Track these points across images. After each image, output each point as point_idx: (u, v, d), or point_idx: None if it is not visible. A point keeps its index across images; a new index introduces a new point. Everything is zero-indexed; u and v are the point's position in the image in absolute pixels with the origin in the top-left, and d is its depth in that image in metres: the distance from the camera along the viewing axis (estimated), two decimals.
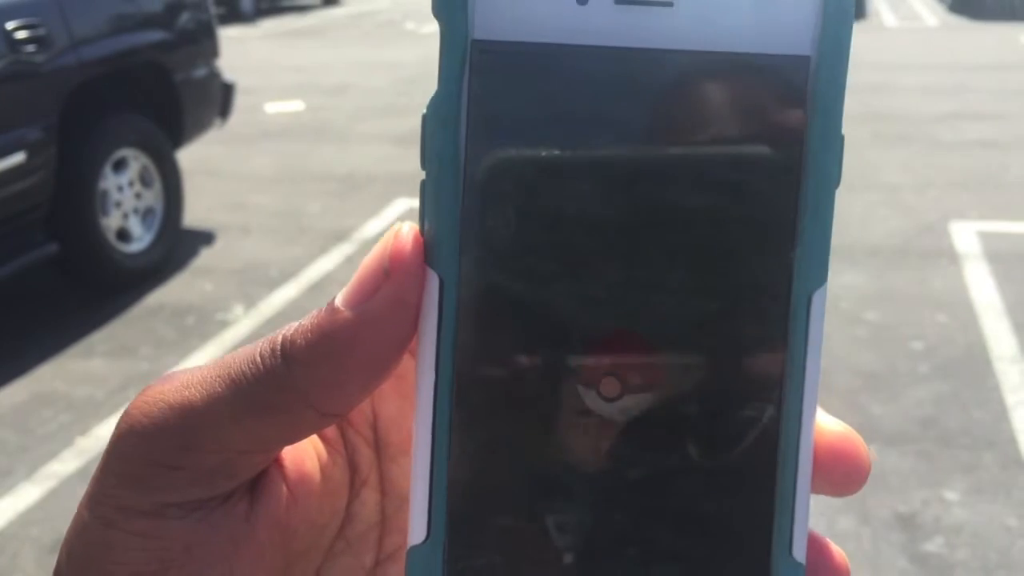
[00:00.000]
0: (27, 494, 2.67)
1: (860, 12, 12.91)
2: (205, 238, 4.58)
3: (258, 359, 0.28)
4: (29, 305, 3.91)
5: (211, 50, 4.44)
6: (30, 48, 3.41)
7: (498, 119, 0.26)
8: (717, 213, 0.26)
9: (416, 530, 0.27)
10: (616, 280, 0.26)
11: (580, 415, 0.27)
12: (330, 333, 0.27)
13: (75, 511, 0.30)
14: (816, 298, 0.27)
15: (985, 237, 4.35)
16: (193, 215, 4.65)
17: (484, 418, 0.27)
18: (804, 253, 0.27)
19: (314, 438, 0.32)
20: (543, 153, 0.26)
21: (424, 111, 0.27)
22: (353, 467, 0.33)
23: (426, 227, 0.27)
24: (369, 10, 15.81)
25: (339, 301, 0.27)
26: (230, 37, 5.60)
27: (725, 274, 0.26)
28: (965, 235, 4.38)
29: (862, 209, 4.78)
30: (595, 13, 0.26)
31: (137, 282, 3.99)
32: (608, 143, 0.26)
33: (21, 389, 3.21)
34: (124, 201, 4.00)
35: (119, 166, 3.95)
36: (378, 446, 0.33)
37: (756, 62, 0.26)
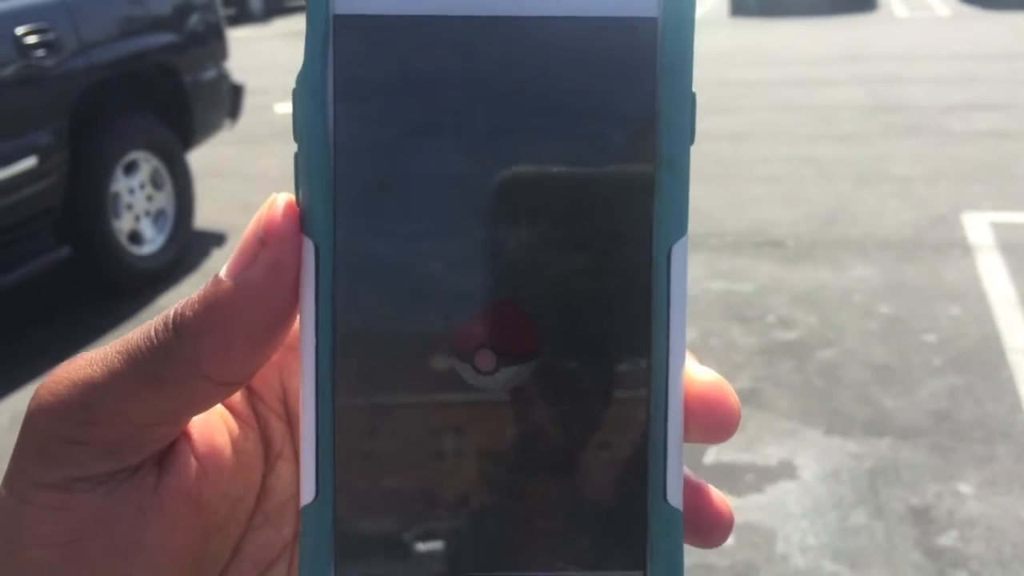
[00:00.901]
0: None
1: (870, 4, 12.85)
2: (216, 239, 4.60)
3: (152, 334, 0.29)
4: (42, 309, 3.94)
5: (220, 52, 4.46)
6: (40, 53, 3.43)
7: (362, 89, 0.27)
8: (577, 174, 0.27)
9: (307, 490, 0.28)
10: (483, 246, 0.27)
11: (457, 386, 0.28)
12: (214, 303, 0.28)
13: None
14: (676, 250, 0.27)
15: (998, 228, 4.33)
16: (204, 217, 4.67)
17: (366, 381, 0.28)
18: (662, 208, 0.27)
19: (225, 413, 0.33)
20: (406, 120, 0.27)
21: (293, 86, 0.28)
22: (266, 441, 0.33)
23: (300, 196, 0.28)
24: None
25: (222, 272, 0.29)
26: (239, 38, 5.61)
27: (589, 233, 0.27)
28: (978, 226, 4.36)
29: (873, 202, 4.76)
30: None
31: (149, 284, 4.01)
32: (468, 108, 0.27)
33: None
34: (135, 204, 4.02)
35: (130, 169, 3.97)
36: (290, 420, 0.34)
37: (607, 25, 0.27)
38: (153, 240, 4.11)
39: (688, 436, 0.29)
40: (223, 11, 4.62)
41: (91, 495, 0.29)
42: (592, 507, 0.28)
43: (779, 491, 2.42)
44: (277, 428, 0.33)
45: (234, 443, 0.32)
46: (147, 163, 4.07)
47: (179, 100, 4.24)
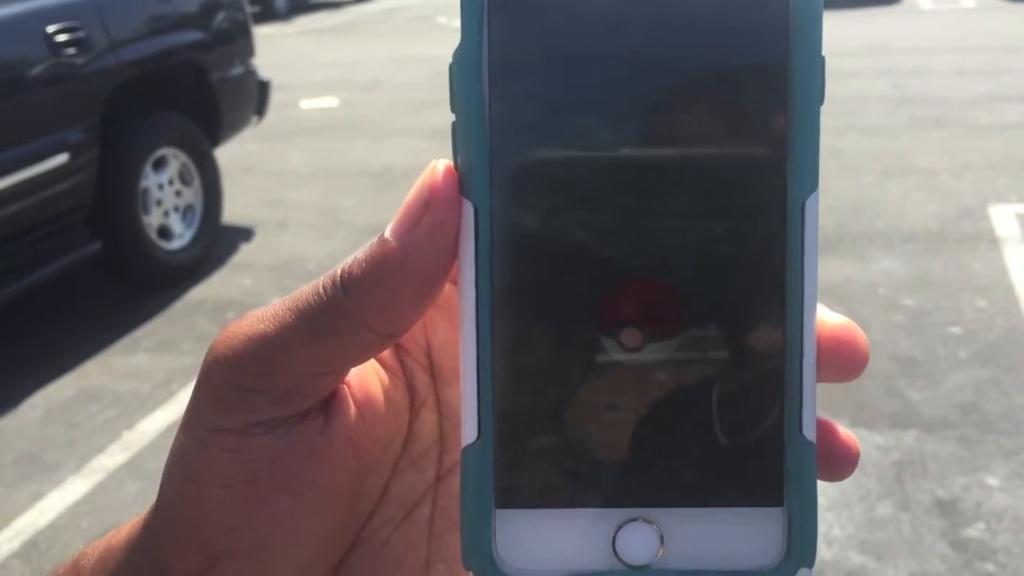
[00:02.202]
0: (76, 487, 2.74)
1: None
2: (244, 234, 4.64)
3: (321, 290, 0.31)
4: (74, 303, 3.99)
5: (247, 49, 4.49)
6: (70, 51, 3.47)
7: (514, 63, 0.29)
8: (717, 138, 0.29)
9: (468, 432, 0.30)
10: (628, 218, 0.30)
11: (604, 351, 0.30)
12: (381, 261, 0.30)
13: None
14: (809, 203, 0.29)
15: None
16: (232, 212, 4.71)
17: (520, 334, 0.30)
18: (795, 164, 0.29)
19: (376, 365, 0.35)
20: (554, 92, 0.29)
21: (450, 60, 0.30)
22: (412, 390, 0.36)
23: (458, 162, 0.30)
24: (401, 5, 15.84)
25: (387, 233, 0.31)
26: (264, 35, 5.65)
27: (728, 199, 0.30)
28: (1005, 218, 4.33)
29: (899, 194, 4.74)
30: None
31: (178, 278, 4.06)
32: (611, 79, 0.29)
33: (68, 385, 3.29)
34: (164, 199, 4.07)
35: (159, 165, 4.02)
36: (433, 371, 0.36)
37: None
38: (182, 235, 4.16)
39: (821, 375, 0.31)
40: (249, 9, 4.65)
41: (266, 438, 0.32)
42: (733, 446, 0.30)
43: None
44: (422, 379, 0.36)
45: (385, 392, 0.35)
46: (176, 159, 4.11)
47: (207, 97, 4.29)
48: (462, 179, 0.30)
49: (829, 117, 6.13)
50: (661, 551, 0.30)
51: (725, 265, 0.30)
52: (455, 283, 0.31)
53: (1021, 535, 2.27)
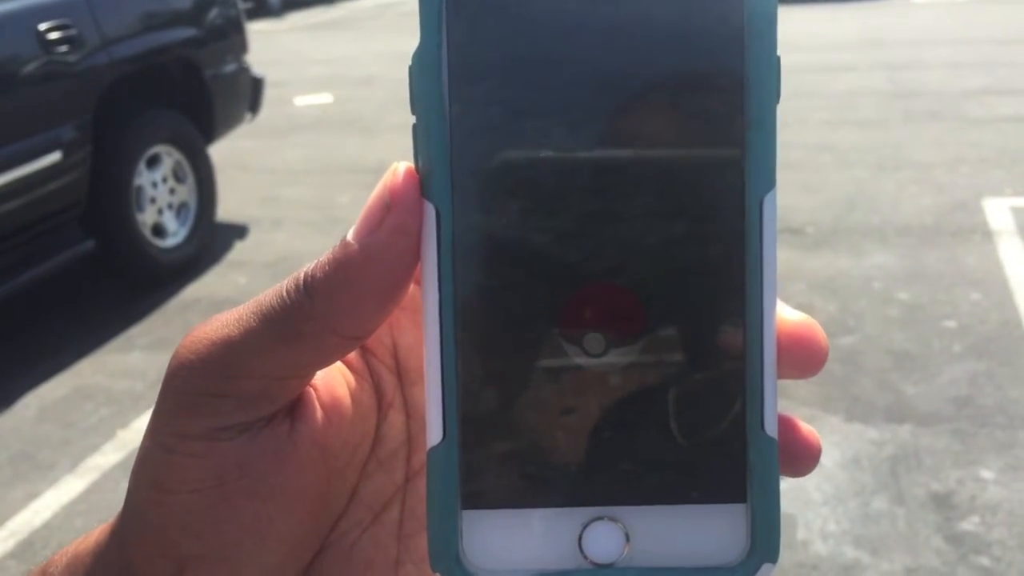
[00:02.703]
0: (71, 486, 2.73)
1: None
2: (238, 231, 4.64)
3: (285, 294, 0.31)
4: (68, 301, 3.99)
5: (240, 45, 4.49)
6: (62, 48, 3.46)
7: (474, 63, 0.30)
8: (675, 139, 0.30)
9: (433, 433, 0.30)
10: (587, 221, 0.30)
11: (567, 355, 0.30)
12: (344, 264, 0.30)
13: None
14: (767, 201, 0.30)
15: (1019, 213, 4.31)
16: (226, 209, 4.71)
17: (483, 335, 0.30)
18: (752, 163, 0.30)
19: (342, 367, 0.35)
20: (514, 92, 0.29)
21: (409, 63, 0.30)
22: (379, 392, 0.36)
23: (419, 164, 0.30)
24: (395, 0, 15.82)
25: (349, 236, 0.31)
26: (258, 31, 5.65)
27: (687, 200, 0.30)
28: (999, 211, 4.34)
29: (893, 188, 4.74)
30: None
31: (173, 276, 4.05)
32: (577, 85, 0.30)
33: (62, 384, 3.28)
34: (158, 197, 4.06)
35: (153, 162, 4.01)
36: (400, 372, 0.36)
37: None
38: (176, 233, 4.15)
39: (782, 372, 0.31)
40: (242, 5, 4.64)
41: (232, 443, 0.32)
42: (696, 444, 0.30)
43: (800, 478, 2.43)
44: (388, 380, 0.36)
45: (352, 394, 0.35)
46: (169, 157, 4.10)
47: (200, 94, 4.28)
48: (423, 181, 0.30)
49: (823, 111, 6.15)
50: (627, 549, 0.31)
51: (685, 267, 0.30)
52: (419, 284, 0.31)
53: (1016, 528, 2.28)
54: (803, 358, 0.31)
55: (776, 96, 0.30)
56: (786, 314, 0.31)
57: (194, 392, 0.32)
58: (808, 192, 4.62)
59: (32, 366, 3.39)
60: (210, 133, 4.37)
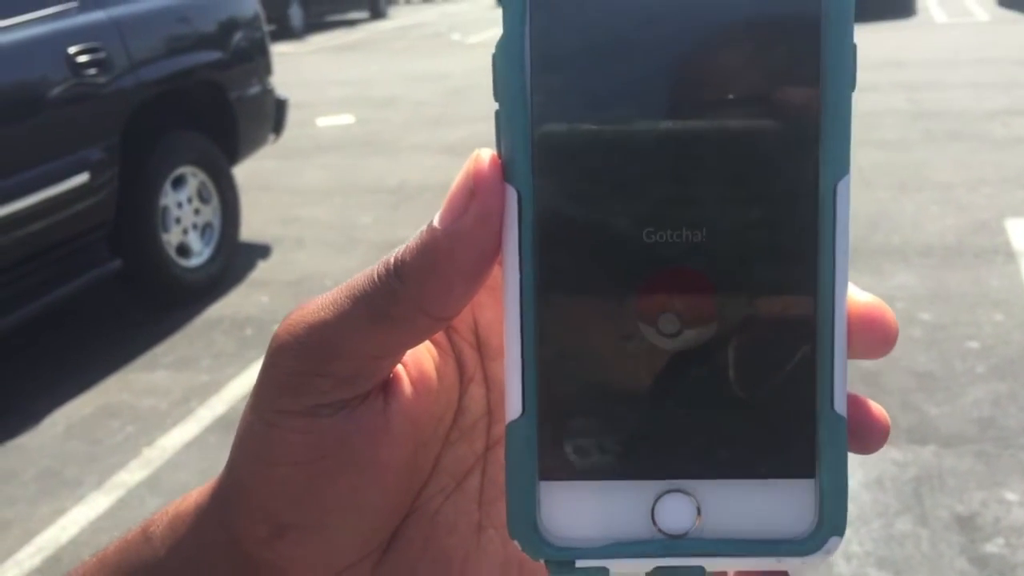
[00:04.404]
0: (97, 503, 2.76)
1: (909, 10, 12.74)
2: (261, 251, 4.68)
3: (376, 278, 0.33)
4: (95, 320, 4.03)
5: (264, 67, 4.54)
6: (91, 71, 3.52)
7: (555, 52, 0.31)
8: (754, 124, 0.31)
9: (512, 408, 0.32)
10: (665, 206, 0.31)
11: (643, 334, 0.31)
12: (432, 248, 0.32)
13: (239, 419, 0.36)
14: (840, 186, 0.31)
15: None
16: (249, 229, 4.75)
17: (562, 313, 0.31)
18: (827, 149, 0.31)
19: (428, 344, 0.37)
20: (593, 81, 0.31)
21: (493, 51, 0.31)
22: (461, 366, 0.38)
23: (502, 149, 0.32)
24: (415, 22, 15.94)
25: (436, 222, 0.32)
26: (281, 53, 5.70)
27: (764, 183, 0.31)
28: (1021, 232, 4.32)
29: (914, 208, 4.73)
30: None
31: (197, 296, 4.09)
32: (649, 69, 0.31)
33: (89, 402, 3.32)
34: (183, 217, 4.11)
35: (178, 183, 4.06)
36: (480, 348, 0.38)
37: None
38: (200, 252, 4.20)
39: (852, 352, 0.32)
40: (266, 27, 4.70)
41: (332, 419, 0.34)
42: (768, 421, 0.31)
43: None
44: (470, 355, 0.38)
45: (437, 369, 0.37)
46: (194, 177, 4.15)
47: (225, 116, 4.33)
48: (505, 166, 0.31)
49: None
50: (698, 521, 0.32)
51: (760, 250, 0.31)
52: (500, 264, 0.32)
53: None
54: (873, 339, 0.32)
55: (852, 84, 0.30)
56: (857, 296, 0.32)
57: (295, 372, 0.34)
58: None
59: (59, 384, 3.43)
60: (234, 154, 4.42)
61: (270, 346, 0.35)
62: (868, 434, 0.33)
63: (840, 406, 0.31)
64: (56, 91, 3.44)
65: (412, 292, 0.32)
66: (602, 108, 0.31)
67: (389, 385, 0.35)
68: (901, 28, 11.50)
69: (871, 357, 0.33)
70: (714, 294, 0.31)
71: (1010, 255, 4.08)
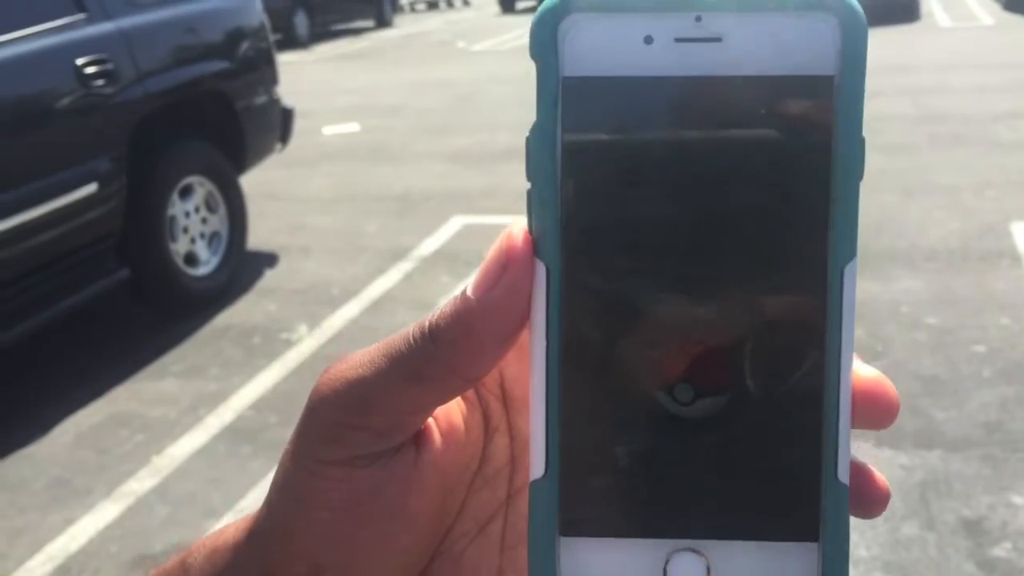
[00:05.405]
0: (106, 512, 2.78)
1: (913, 14, 12.75)
2: (268, 260, 4.70)
3: (412, 340, 0.35)
4: (103, 329, 4.05)
5: (271, 77, 4.56)
6: (99, 82, 3.54)
7: (584, 140, 0.33)
8: (768, 212, 0.33)
9: (536, 467, 0.34)
10: (682, 283, 0.33)
11: (660, 403, 0.34)
12: (465, 316, 0.34)
13: (279, 463, 0.38)
14: (848, 270, 0.33)
15: None
16: (256, 238, 4.77)
17: (584, 383, 0.34)
18: (836, 235, 0.33)
19: (457, 397, 0.39)
20: (618, 166, 0.33)
21: (527, 134, 0.33)
22: (487, 417, 0.40)
23: (533, 226, 0.34)
24: (421, 31, 15.98)
25: (469, 291, 0.35)
26: (286, 62, 5.71)
27: (777, 263, 0.33)
28: None
29: (919, 212, 4.74)
30: (659, 50, 0.33)
31: (205, 304, 4.11)
32: (677, 156, 0.33)
33: (98, 410, 3.33)
34: (191, 226, 4.13)
35: (185, 193, 4.08)
36: (505, 401, 0.40)
37: (791, 82, 0.33)
38: (208, 261, 4.22)
39: (855, 424, 0.34)
40: (272, 37, 4.72)
41: (367, 470, 0.36)
42: (775, 487, 0.33)
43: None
44: (495, 407, 0.40)
45: (464, 420, 0.39)
46: (201, 187, 4.17)
47: (232, 125, 4.35)
48: (536, 242, 0.34)
49: None
50: None
51: (772, 328, 0.33)
52: (528, 329, 0.35)
53: None
54: (876, 412, 0.34)
55: (860, 174, 0.32)
56: (861, 371, 0.34)
57: (334, 424, 0.36)
58: None
59: (69, 393, 3.44)
60: (241, 164, 4.44)
61: (311, 398, 0.37)
62: (869, 501, 0.35)
63: (843, 475, 0.33)
64: (64, 102, 3.47)
65: (445, 355, 0.34)
66: (627, 191, 0.33)
67: (420, 437, 0.37)
68: (906, 32, 11.50)
69: (873, 428, 0.35)
70: (727, 367, 0.33)
71: (1016, 259, 4.08)
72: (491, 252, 0.34)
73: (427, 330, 0.35)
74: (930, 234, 4.44)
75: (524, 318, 0.34)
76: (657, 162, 0.33)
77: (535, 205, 0.33)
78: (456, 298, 0.35)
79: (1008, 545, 2.31)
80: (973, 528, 2.38)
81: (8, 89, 3.31)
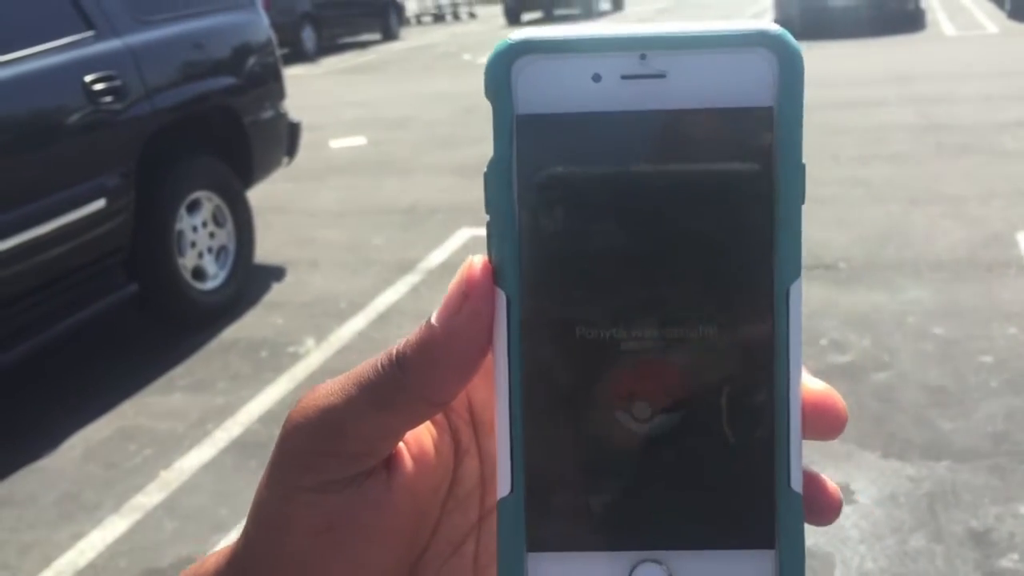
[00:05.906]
0: (115, 526, 2.79)
1: (918, 23, 12.76)
2: (276, 273, 4.71)
3: (380, 368, 0.37)
4: (112, 344, 4.07)
5: (278, 92, 4.59)
6: (108, 99, 3.57)
7: (539, 174, 0.35)
8: (715, 235, 0.35)
9: (503, 486, 0.35)
10: (635, 305, 0.35)
11: (619, 419, 0.35)
12: (429, 344, 0.36)
13: (255, 493, 0.40)
14: (793, 288, 0.35)
15: None
16: (264, 251, 4.79)
17: (546, 401, 0.35)
18: (781, 256, 0.34)
19: (427, 421, 0.41)
20: (572, 198, 0.35)
21: (485, 170, 0.35)
22: (457, 441, 0.41)
23: (492, 256, 0.35)
24: (427, 43, 16.04)
25: (433, 319, 0.36)
26: (293, 76, 5.76)
27: (727, 283, 0.35)
28: None
29: (925, 222, 4.73)
30: (607, 87, 0.34)
31: (213, 318, 4.13)
32: (627, 187, 0.35)
33: (107, 425, 3.35)
34: (198, 241, 4.15)
35: (193, 207, 4.11)
36: (475, 424, 0.42)
37: (733, 114, 0.34)
38: (215, 276, 4.24)
39: (806, 435, 0.36)
40: (279, 52, 4.75)
41: (341, 494, 0.37)
42: (733, 498, 0.35)
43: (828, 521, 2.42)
44: (465, 431, 0.42)
45: (435, 444, 0.41)
46: (209, 202, 4.20)
47: (239, 140, 4.38)
48: (496, 271, 0.35)
49: (855, 147, 6.15)
50: None
51: (722, 346, 0.35)
52: (492, 355, 0.36)
53: None
54: (824, 424, 0.36)
55: (802, 198, 0.34)
56: (810, 384, 0.36)
57: (307, 451, 0.37)
58: (841, 227, 4.63)
59: (77, 408, 3.46)
60: (248, 178, 4.47)
61: (284, 427, 0.38)
62: (822, 508, 0.36)
63: (796, 484, 0.35)
64: (73, 119, 3.49)
65: (412, 381, 0.36)
66: (581, 222, 0.35)
67: (392, 461, 0.39)
68: (911, 42, 11.50)
69: (823, 439, 0.36)
70: (681, 384, 0.35)
71: (1022, 268, 4.08)
72: (453, 282, 0.36)
73: (394, 358, 0.36)
74: (936, 244, 4.44)
75: (486, 344, 0.36)
76: (608, 193, 0.34)
77: (494, 237, 0.35)
78: (421, 326, 0.36)
79: (1015, 556, 2.30)
80: (980, 539, 2.37)
81: (18, 106, 3.34)
